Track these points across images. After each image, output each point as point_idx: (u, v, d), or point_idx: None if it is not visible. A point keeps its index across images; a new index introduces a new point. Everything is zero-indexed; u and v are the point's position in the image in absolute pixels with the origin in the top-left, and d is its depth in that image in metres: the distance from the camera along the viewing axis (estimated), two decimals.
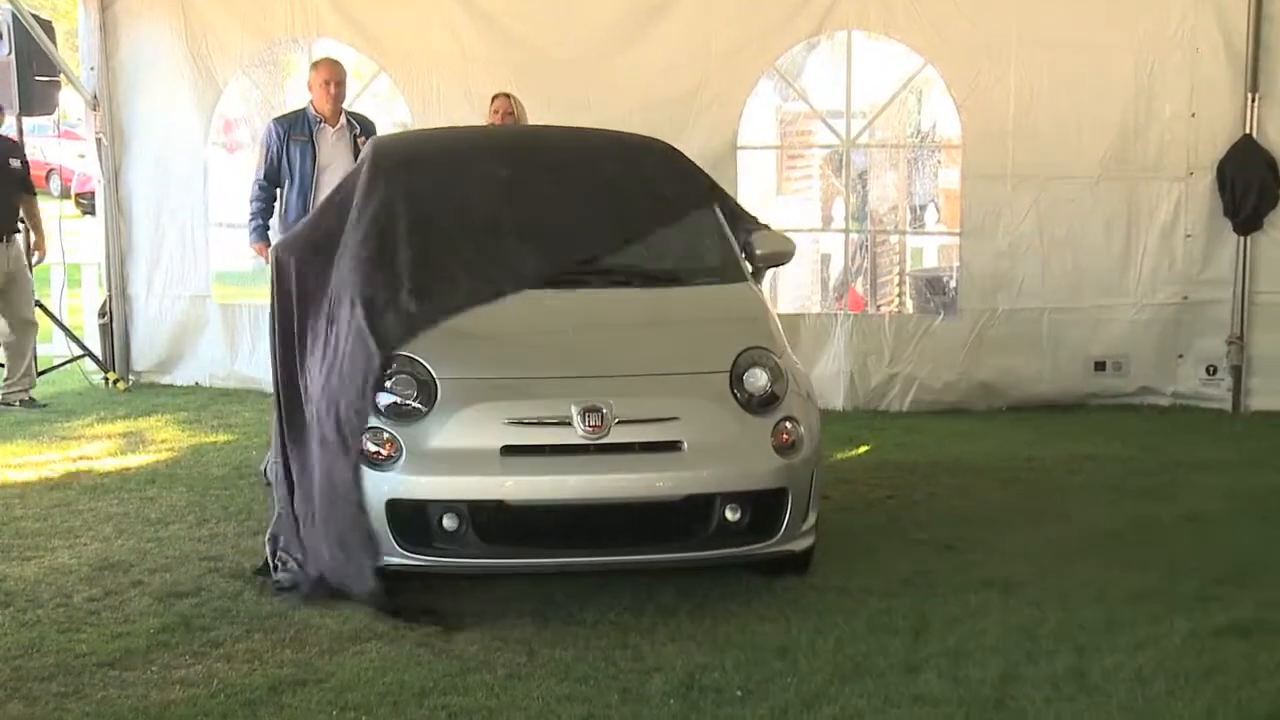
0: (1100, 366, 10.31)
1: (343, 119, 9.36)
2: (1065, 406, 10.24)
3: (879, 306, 11.85)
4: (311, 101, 9.41)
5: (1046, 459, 8.83)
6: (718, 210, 7.20)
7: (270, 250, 7.97)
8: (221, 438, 9.39)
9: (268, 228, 9.41)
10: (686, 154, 7.64)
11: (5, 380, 10.53)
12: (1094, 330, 10.27)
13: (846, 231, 11.30)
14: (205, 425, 9.83)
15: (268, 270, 9.33)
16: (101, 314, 11.48)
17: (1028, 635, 5.67)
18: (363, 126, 9.53)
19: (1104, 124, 10.06)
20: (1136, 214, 10.16)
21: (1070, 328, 10.27)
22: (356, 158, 9.09)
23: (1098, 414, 10.10)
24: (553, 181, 7.32)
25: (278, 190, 9.33)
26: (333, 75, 9.35)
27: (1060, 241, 10.22)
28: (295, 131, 9.29)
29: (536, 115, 9.76)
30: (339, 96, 9.33)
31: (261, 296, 9.73)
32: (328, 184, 9.07)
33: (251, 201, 9.40)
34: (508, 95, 9.56)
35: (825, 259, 12.51)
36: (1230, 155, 9.93)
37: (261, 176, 9.32)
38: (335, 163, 9.20)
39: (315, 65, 9.50)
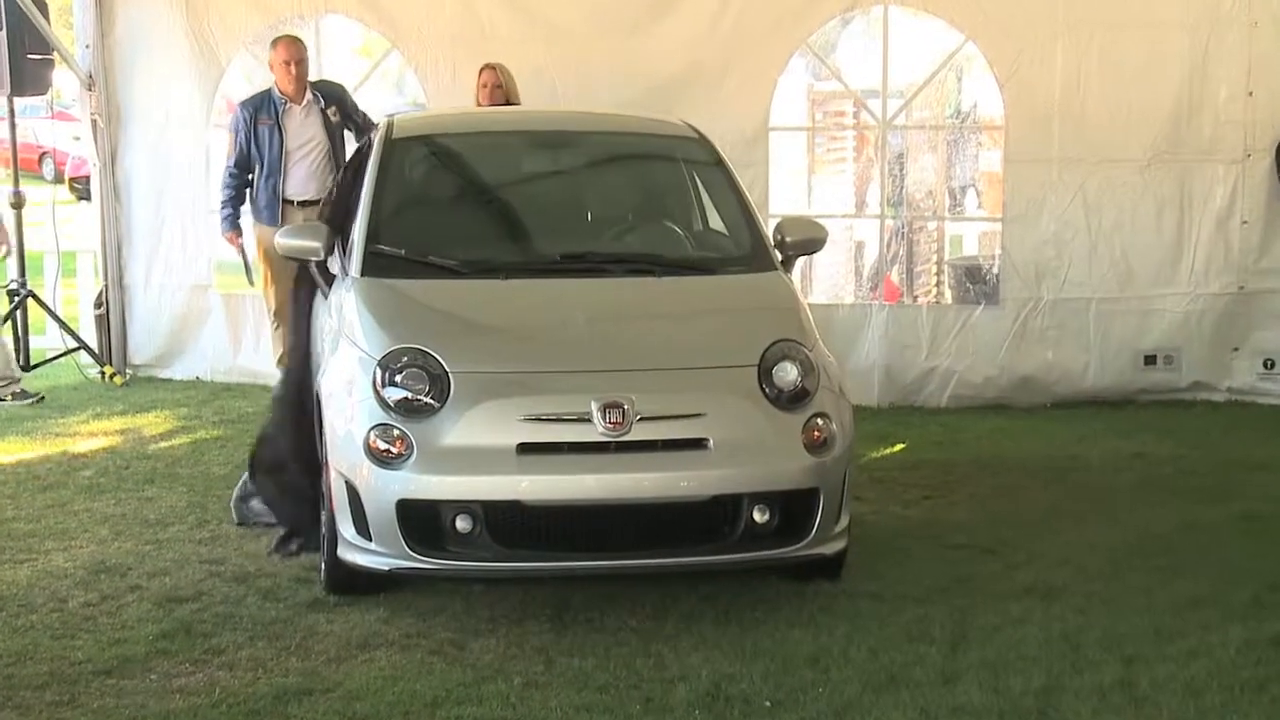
0: (1150, 360, 10.27)
1: (308, 94, 9.42)
2: (1113, 402, 10.21)
3: (916, 297, 11.83)
4: (275, 82, 9.49)
5: (1093, 458, 8.81)
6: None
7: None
8: (223, 435, 9.42)
9: (239, 215, 9.57)
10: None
11: None
12: (1144, 322, 10.23)
13: (882, 217, 11.27)
14: (206, 422, 9.86)
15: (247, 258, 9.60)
16: (97, 305, 11.50)
17: (1072, 644, 5.67)
18: (327, 96, 9.55)
19: (1155, 104, 10.01)
20: (1190, 199, 10.11)
21: (1118, 319, 10.23)
22: (329, 131, 9.25)
23: (1147, 410, 10.07)
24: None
25: (250, 177, 9.47)
26: (292, 54, 9.43)
27: (1108, 228, 10.17)
28: (261, 114, 9.44)
29: (557, 96, 9.78)
30: (301, 75, 9.43)
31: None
32: (298, 163, 9.23)
33: (223, 189, 9.60)
34: (494, 67, 9.60)
35: (859, 246, 12.48)
36: None
37: (232, 164, 9.52)
38: (306, 141, 9.33)
39: (274, 44, 9.58)
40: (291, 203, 9.44)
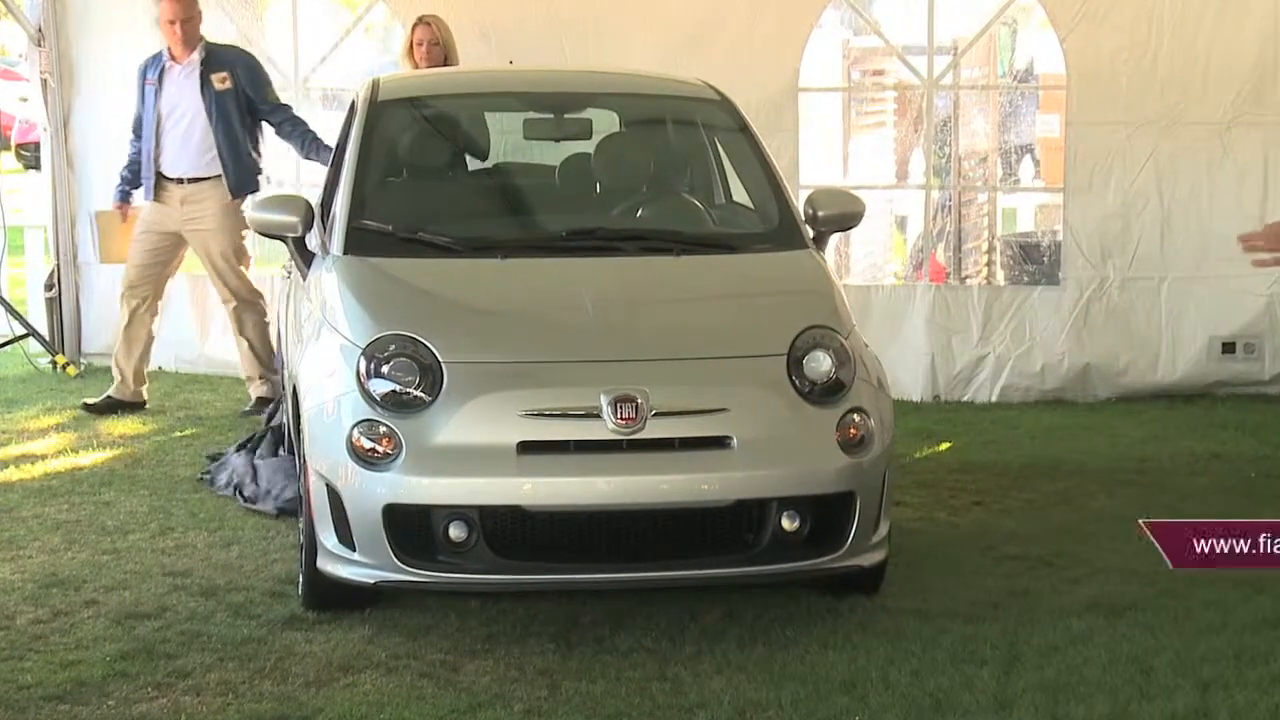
0: (1229, 348, 10.26)
1: (193, 54, 9.37)
2: (1186, 396, 10.20)
3: (965, 277, 11.83)
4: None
5: (1164, 459, 8.81)
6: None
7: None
8: (189, 432, 9.45)
9: (130, 186, 9.61)
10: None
11: None
12: (1222, 305, 10.21)
13: (927, 188, 11.26)
14: (170, 417, 9.89)
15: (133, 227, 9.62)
16: (48, 286, 11.53)
17: (1140, 667, 5.68)
18: (216, 59, 9.47)
19: (1236, 59, 9.98)
20: (1275, 166, 10.09)
21: (1194, 302, 10.22)
22: (206, 98, 9.23)
23: (1225, 405, 10.07)
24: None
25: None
26: (176, 13, 9.37)
27: (1183, 199, 10.16)
28: (149, 74, 9.48)
29: (563, 54, 9.76)
30: (189, 34, 9.37)
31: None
32: (169, 132, 9.24)
33: (128, 155, 9.62)
34: (429, 22, 9.52)
35: (901, 221, 12.51)
36: None
37: (131, 128, 9.53)
38: (179, 106, 9.35)
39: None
40: (171, 179, 9.49)
